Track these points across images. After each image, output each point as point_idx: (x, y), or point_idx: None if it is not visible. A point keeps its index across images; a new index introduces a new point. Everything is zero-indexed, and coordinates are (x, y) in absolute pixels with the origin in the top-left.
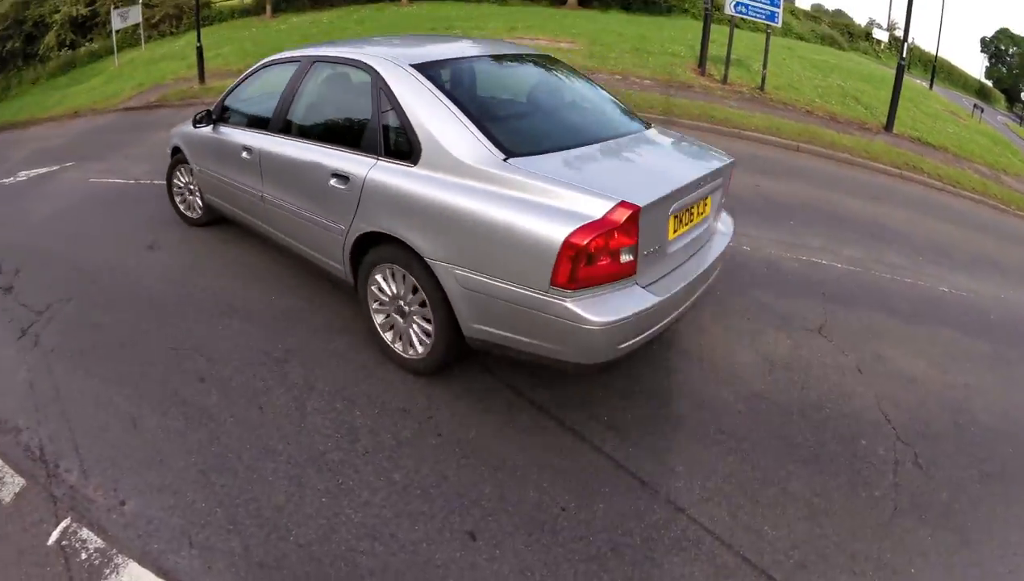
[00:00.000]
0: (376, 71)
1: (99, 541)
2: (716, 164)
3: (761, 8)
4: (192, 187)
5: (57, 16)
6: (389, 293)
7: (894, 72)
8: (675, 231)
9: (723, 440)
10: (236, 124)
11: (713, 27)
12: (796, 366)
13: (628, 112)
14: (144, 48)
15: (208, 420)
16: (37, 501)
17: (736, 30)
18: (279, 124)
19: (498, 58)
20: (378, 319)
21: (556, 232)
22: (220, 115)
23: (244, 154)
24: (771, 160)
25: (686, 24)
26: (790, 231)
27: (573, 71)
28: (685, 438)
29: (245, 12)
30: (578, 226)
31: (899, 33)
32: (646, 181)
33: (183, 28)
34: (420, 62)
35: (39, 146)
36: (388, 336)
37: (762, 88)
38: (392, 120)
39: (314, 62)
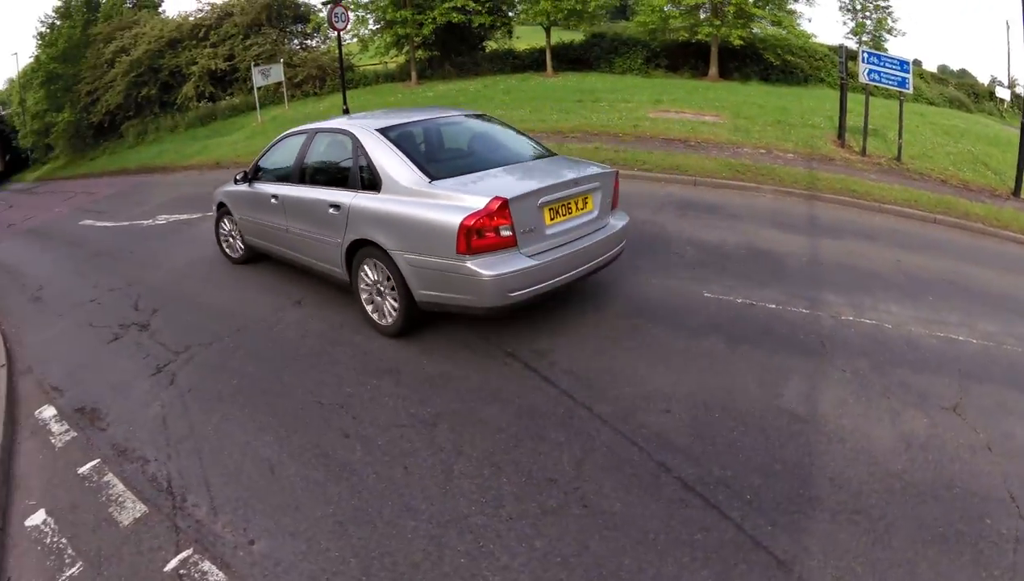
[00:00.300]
0: (354, 135)
1: (221, 575)
2: (576, 174)
3: (893, 75)
4: (234, 233)
5: (195, 68)
6: (370, 280)
7: (1019, 132)
8: (552, 219)
9: (858, 520)
10: (266, 180)
11: (848, 94)
12: (931, 445)
13: (536, 146)
14: (288, 107)
15: (350, 474)
16: (158, 529)
17: (870, 97)
18: (296, 176)
19: (439, 120)
20: (364, 299)
21: (455, 219)
22: (254, 175)
23: (272, 201)
24: (910, 233)
25: (823, 93)
26: (929, 306)
27: (500, 121)
28: (822, 517)
29: (390, 77)
30: (468, 214)
31: (1020, 91)
32: (518, 185)
33: (326, 89)
34: (381, 127)
35: (179, 193)
36: (371, 311)
37: (898, 158)
38: (364, 166)
39: (316, 132)
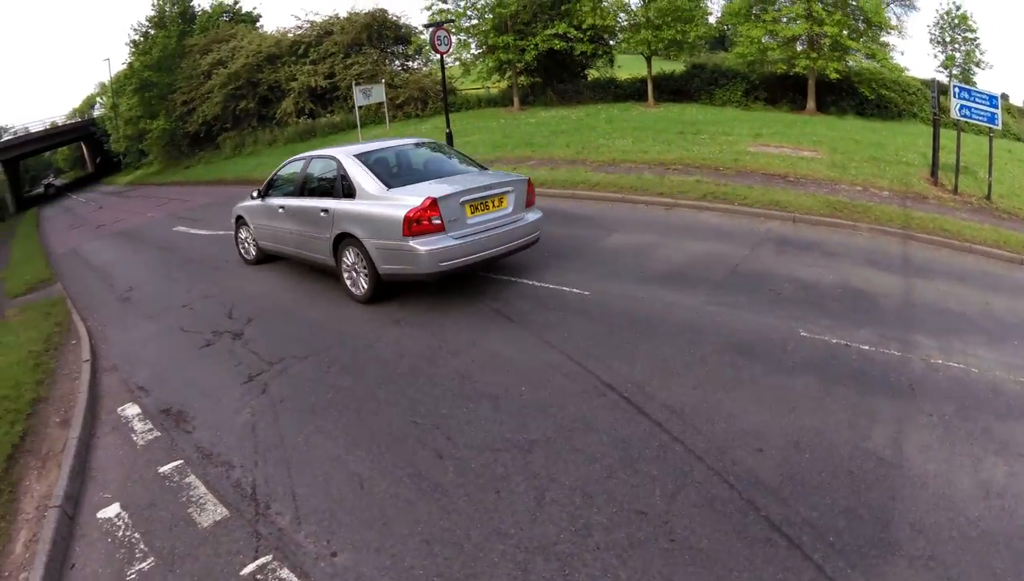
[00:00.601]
0: (338, 159)
1: None
2: (492, 181)
3: (982, 110)
4: (249, 240)
5: (295, 84)
6: (348, 262)
7: None
8: (472, 213)
9: (933, 567)
10: (275, 195)
11: (940, 130)
12: (1009, 493)
13: (473, 164)
14: (389, 127)
15: (441, 495)
16: (238, 533)
17: (961, 133)
18: (297, 191)
19: (399, 147)
20: (345, 277)
21: (401, 213)
22: (265, 192)
23: (280, 210)
24: (998, 275)
25: (916, 129)
26: (1014, 351)
27: (444, 146)
28: (900, 563)
29: (492, 102)
30: (410, 209)
31: None
32: (446, 189)
33: (428, 112)
34: (356, 153)
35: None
36: (350, 286)
37: (988, 197)
38: (343, 181)
39: (312, 158)
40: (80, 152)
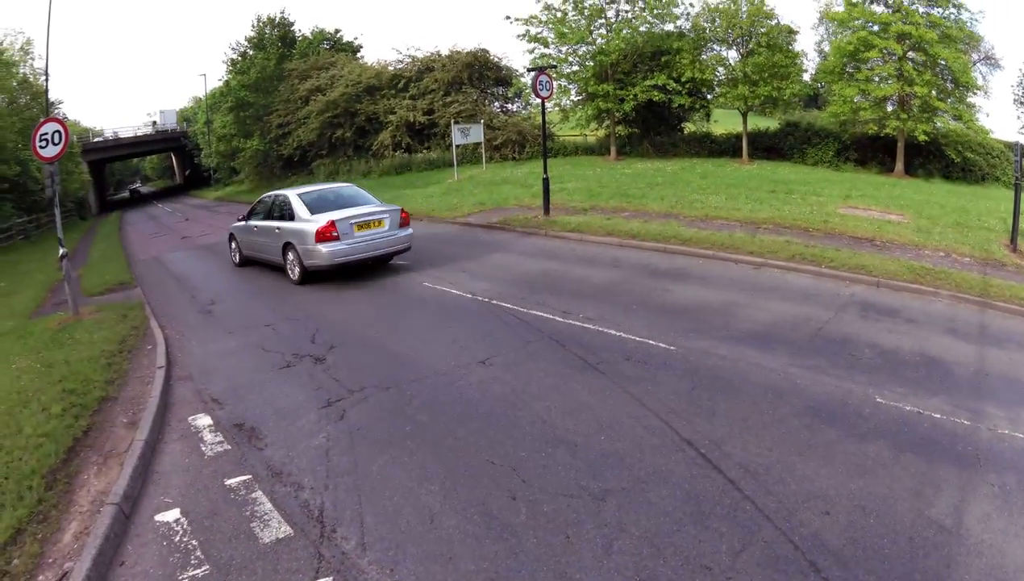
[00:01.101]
0: (286, 196)
1: None
2: (374, 209)
3: None
4: (236, 249)
5: (393, 117)
6: (289, 260)
7: None
8: (358, 230)
9: None
10: (252, 219)
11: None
12: None
13: (371, 199)
14: (485, 168)
15: (510, 535)
16: (300, 553)
17: None
18: (264, 216)
19: (328, 189)
20: (288, 269)
21: (314, 228)
22: (248, 216)
23: (255, 228)
24: None
25: (1000, 193)
26: None
27: (356, 187)
28: None
29: (589, 150)
30: (319, 226)
31: None
32: (343, 215)
33: (525, 155)
34: (299, 193)
35: None
36: (290, 274)
37: None
38: (288, 209)
39: (275, 195)
40: (169, 162)
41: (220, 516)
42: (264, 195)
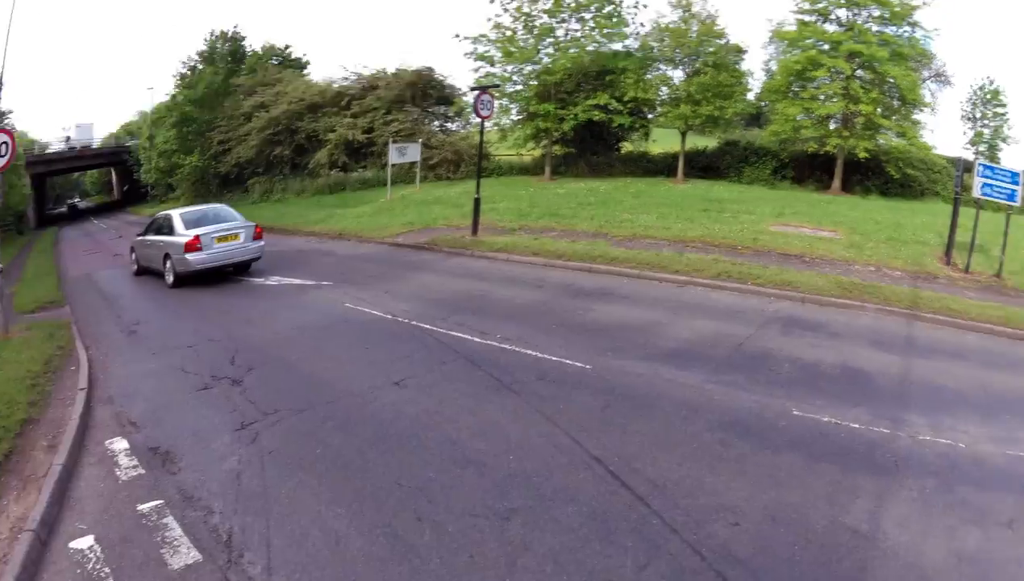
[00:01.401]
0: (169, 215)
1: None
2: (233, 224)
3: (1003, 187)
4: (135, 261)
5: (333, 136)
6: (168, 267)
7: None
8: (219, 241)
9: None
10: (147, 234)
11: (961, 208)
12: (981, 558)
13: (236, 217)
14: (419, 187)
15: (414, 556)
16: (208, 579)
17: (980, 211)
18: (154, 231)
19: (205, 209)
20: (166, 274)
21: (184, 241)
22: (144, 232)
23: (147, 242)
24: (999, 352)
25: (938, 208)
26: (1004, 425)
27: (227, 208)
28: None
29: (524, 170)
30: (187, 239)
31: None
32: (207, 230)
33: (460, 175)
34: (181, 212)
35: (295, 257)
36: (167, 279)
37: (999, 275)
38: (170, 226)
39: (165, 214)
40: (109, 177)
41: (132, 543)
42: (157, 214)
